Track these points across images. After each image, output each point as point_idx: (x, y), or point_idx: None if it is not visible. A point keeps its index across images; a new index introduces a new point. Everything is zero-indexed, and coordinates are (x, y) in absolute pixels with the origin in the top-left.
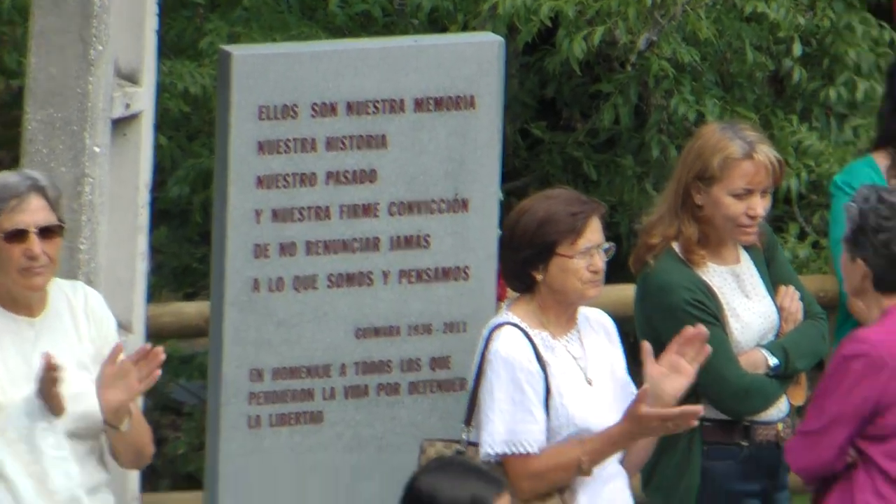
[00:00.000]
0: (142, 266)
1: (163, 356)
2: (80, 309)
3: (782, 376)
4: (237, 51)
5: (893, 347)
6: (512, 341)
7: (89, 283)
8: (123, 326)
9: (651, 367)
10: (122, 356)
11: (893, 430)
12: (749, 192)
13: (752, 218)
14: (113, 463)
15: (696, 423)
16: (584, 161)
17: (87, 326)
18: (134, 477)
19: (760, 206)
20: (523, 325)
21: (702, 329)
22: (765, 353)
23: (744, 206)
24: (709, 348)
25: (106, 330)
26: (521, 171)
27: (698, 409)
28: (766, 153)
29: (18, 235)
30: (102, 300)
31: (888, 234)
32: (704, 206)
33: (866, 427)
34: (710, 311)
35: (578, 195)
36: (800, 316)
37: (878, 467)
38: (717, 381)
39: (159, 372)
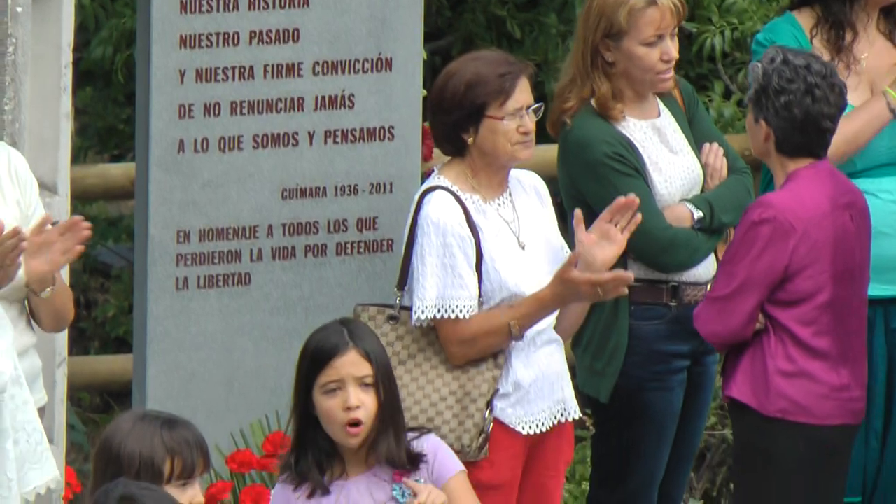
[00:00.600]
0: (66, 127)
1: (88, 232)
2: (3, 170)
3: (708, 230)
4: None
5: (800, 212)
6: (443, 205)
7: (13, 144)
8: (48, 188)
9: (582, 234)
10: (49, 226)
11: (803, 295)
12: (660, 38)
13: (667, 62)
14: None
15: (625, 290)
16: (507, 20)
17: (11, 188)
18: (62, 340)
19: (673, 48)
20: (454, 188)
21: (633, 198)
22: (689, 206)
23: (657, 52)
24: (640, 217)
25: (30, 193)
26: (444, 30)
27: (629, 275)
28: None
29: None
30: (25, 162)
31: (790, 97)
32: (616, 62)
33: (776, 292)
34: (630, 163)
35: (506, 56)
36: (725, 172)
37: (789, 332)
38: (640, 234)
39: (82, 247)
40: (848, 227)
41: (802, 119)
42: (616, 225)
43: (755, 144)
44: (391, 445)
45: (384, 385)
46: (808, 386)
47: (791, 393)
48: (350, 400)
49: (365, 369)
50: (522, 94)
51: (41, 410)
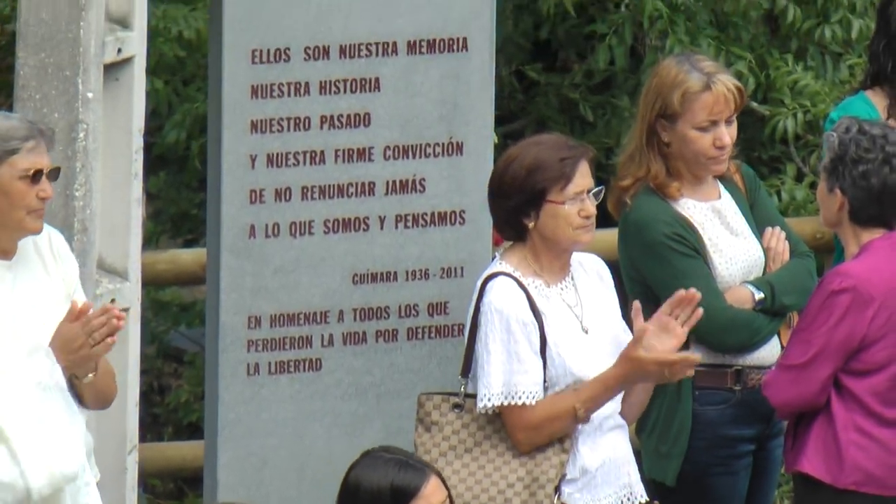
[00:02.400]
0: (137, 212)
1: (120, 323)
2: (46, 249)
3: (770, 311)
4: None
5: (878, 282)
6: (506, 291)
7: (84, 230)
8: (119, 274)
9: (640, 325)
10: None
11: (878, 365)
12: (713, 123)
13: (721, 148)
14: (113, 413)
15: (692, 372)
16: (580, 103)
17: (55, 266)
18: (133, 427)
19: (727, 135)
20: (517, 273)
21: (693, 292)
22: (750, 287)
23: (710, 137)
24: (700, 311)
25: (71, 270)
26: (517, 113)
27: (697, 357)
28: (724, 82)
29: (36, 176)
30: (65, 241)
31: (867, 166)
32: (672, 143)
33: (850, 362)
34: (690, 244)
35: (566, 140)
36: (787, 256)
37: (861, 402)
38: (702, 313)
39: (114, 339)
40: None
41: (880, 189)
42: (676, 318)
43: (827, 214)
44: None
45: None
46: (881, 456)
47: (866, 464)
48: None
49: (443, 493)
50: (583, 178)
51: None
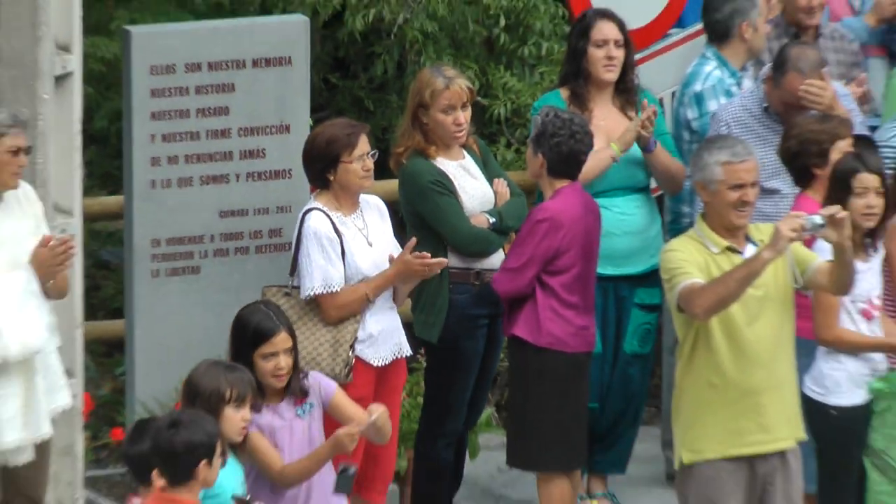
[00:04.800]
0: (78, 173)
1: (72, 251)
2: (22, 197)
3: (499, 231)
4: (135, 29)
5: (566, 214)
6: (318, 220)
7: (44, 184)
8: (68, 212)
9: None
10: (53, 241)
11: (565, 268)
12: (452, 109)
13: (458, 125)
14: (66, 301)
15: (438, 270)
16: (365, 99)
17: (28, 207)
18: (79, 310)
19: (462, 117)
20: (325, 209)
21: (434, 259)
22: (486, 215)
23: (451, 119)
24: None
25: (39, 210)
26: (324, 105)
27: (445, 261)
28: (459, 83)
29: (17, 151)
30: (33, 190)
31: (559, 139)
32: (429, 124)
33: (548, 266)
34: (446, 188)
35: (351, 121)
36: (507, 196)
37: (555, 292)
38: (454, 232)
39: (70, 263)
40: (592, 225)
41: (567, 153)
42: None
43: (532, 170)
44: (294, 384)
45: (294, 348)
46: (564, 327)
47: (555, 331)
48: (281, 364)
49: (288, 342)
50: (363, 144)
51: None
